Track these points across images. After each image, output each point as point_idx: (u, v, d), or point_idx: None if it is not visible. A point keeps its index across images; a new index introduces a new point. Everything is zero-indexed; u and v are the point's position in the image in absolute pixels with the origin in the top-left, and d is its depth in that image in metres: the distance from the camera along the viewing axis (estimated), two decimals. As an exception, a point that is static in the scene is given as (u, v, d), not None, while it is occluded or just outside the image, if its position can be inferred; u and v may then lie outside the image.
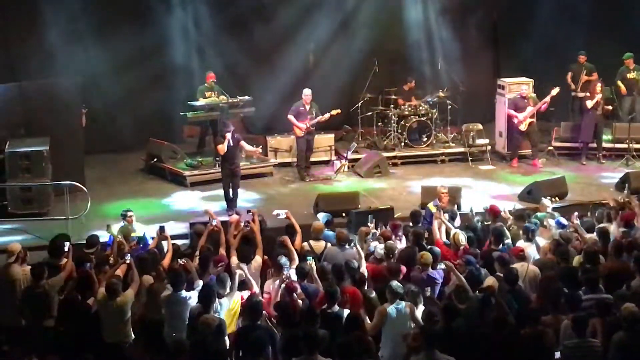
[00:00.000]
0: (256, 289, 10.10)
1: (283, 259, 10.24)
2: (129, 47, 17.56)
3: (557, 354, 8.47)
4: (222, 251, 10.83)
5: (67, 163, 15.34)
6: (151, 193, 16.24)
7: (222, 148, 14.74)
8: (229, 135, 14.71)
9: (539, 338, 8.49)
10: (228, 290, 9.59)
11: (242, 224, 11.55)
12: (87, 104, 16.64)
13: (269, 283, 10.09)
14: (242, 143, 15.13)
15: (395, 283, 9.40)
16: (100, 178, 16.80)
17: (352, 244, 11.25)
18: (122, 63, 17.66)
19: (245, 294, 9.85)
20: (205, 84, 17.34)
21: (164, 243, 11.29)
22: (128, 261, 9.97)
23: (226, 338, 9.01)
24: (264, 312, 9.21)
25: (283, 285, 9.75)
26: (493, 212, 12.53)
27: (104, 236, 12.16)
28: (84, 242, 11.81)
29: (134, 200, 15.27)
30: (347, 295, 9.52)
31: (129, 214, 12.38)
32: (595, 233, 11.46)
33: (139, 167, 17.67)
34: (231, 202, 14.90)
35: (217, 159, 16.46)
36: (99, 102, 17.63)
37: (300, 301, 9.52)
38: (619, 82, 18.61)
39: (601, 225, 11.83)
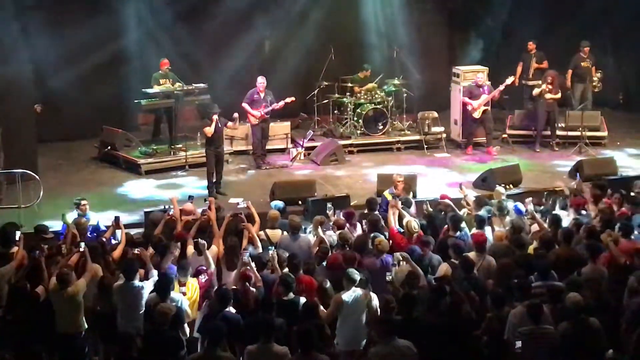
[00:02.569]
0: (212, 269, 10.12)
1: (250, 248, 10.32)
2: (82, 34, 17.31)
3: (519, 343, 8.47)
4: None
5: (20, 151, 15.15)
6: (105, 181, 16.09)
7: (209, 130, 14.85)
8: (215, 118, 14.75)
9: (505, 321, 8.52)
10: (189, 277, 9.58)
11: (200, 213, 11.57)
12: (39, 91, 16.39)
13: (236, 274, 10.03)
14: (229, 124, 15.35)
15: (351, 270, 9.41)
16: (54, 166, 16.64)
17: (309, 232, 11.27)
18: (75, 50, 17.41)
19: (203, 278, 9.87)
20: (160, 71, 17.19)
21: (118, 233, 11.21)
22: (82, 250, 9.87)
23: (186, 326, 8.98)
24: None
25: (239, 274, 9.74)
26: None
27: (58, 225, 12.08)
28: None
29: (88, 189, 15.13)
30: (302, 285, 9.52)
31: (83, 202, 12.25)
32: (547, 220, 11.56)
33: (92, 155, 17.47)
34: (212, 187, 14.98)
35: (174, 144, 16.54)
36: (52, 90, 17.36)
37: (254, 289, 9.49)
38: (570, 72, 18.84)
39: (554, 212, 11.96)
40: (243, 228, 11.02)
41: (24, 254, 10.20)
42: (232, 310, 8.96)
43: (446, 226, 11.52)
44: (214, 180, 15.13)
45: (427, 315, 8.72)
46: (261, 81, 16.64)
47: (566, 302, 8.51)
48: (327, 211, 12.03)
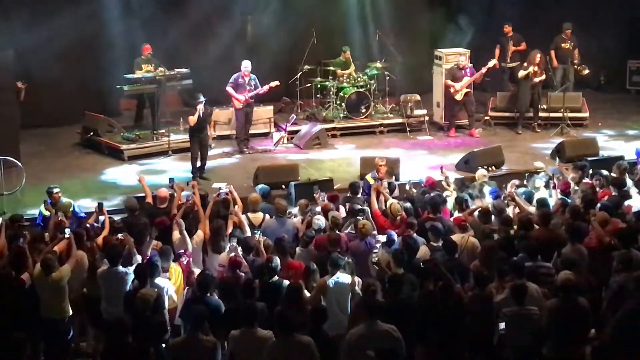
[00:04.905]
0: (190, 250, 10.14)
1: (237, 232, 10.30)
2: (63, 19, 17.22)
3: (502, 325, 8.53)
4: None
5: (2, 138, 15.05)
6: (88, 167, 16.05)
7: (193, 119, 14.92)
8: (200, 107, 14.77)
9: (487, 300, 8.58)
10: (171, 262, 9.59)
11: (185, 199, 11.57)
12: (21, 77, 16.30)
13: (225, 256, 10.06)
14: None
15: (335, 254, 9.44)
16: (36, 153, 16.57)
17: (293, 216, 11.30)
18: (57, 36, 17.29)
19: (184, 260, 9.90)
20: (142, 56, 17.14)
21: (102, 219, 11.20)
22: (67, 236, 9.86)
23: (165, 312, 8.99)
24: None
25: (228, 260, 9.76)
26: (429, 183, 12.68)
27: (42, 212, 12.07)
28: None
29: (70, 175, 15.13)
30: (292, 270, 9.55)
31: (55, 190, 11.91)
32: (535, 203, 11.60)
33: (75, 142, 17.41)
34: (196, 172, 15.03)
35: (157, 130, 16.59)
36: (33, 76, 17.25)
37: (242, 274, 9.52)
38: (552, 52, 18.92)
39: (540, 197, 12.00)
40: (229, 213, 11.00)
41: (4, 242, 10.18)
42: (215, 297, 8.99)
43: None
44: (198, 165, 15.15)
45: (415, 297, 8.75)
46: (246, 65, 16.60)
47: (558, 279, 8.56)
48: (314, 194, 12.05)
